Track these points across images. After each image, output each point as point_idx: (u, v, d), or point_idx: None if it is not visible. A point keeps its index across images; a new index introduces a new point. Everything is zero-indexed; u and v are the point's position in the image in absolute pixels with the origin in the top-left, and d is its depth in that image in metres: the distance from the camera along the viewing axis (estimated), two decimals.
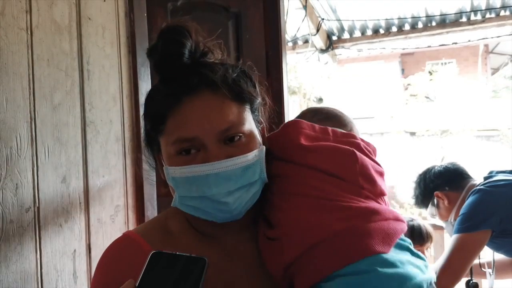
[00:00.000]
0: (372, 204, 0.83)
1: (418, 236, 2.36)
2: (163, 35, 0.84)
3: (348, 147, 0.89)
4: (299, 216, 0.81)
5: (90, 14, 1.45)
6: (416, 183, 2.32)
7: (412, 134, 12.12)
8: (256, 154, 0.83)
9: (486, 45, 14.18)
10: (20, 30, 1.19)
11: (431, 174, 2.25)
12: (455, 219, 2.15)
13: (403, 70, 15.43)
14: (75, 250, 1.33)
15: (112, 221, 1.51)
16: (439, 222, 2.34)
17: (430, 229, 2.42)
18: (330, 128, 0.94)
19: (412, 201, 2.42)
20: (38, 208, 1.20)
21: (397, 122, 11.93)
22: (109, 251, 0.93)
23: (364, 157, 0.89)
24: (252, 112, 0.87)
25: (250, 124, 0.85)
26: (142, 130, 0.93)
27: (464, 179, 2.20)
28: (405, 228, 0.82)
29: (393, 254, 0.76)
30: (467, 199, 2.05)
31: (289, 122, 0.94)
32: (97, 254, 1.42)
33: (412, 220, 2.43)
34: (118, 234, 1.52)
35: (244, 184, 0.81)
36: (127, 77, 1.64)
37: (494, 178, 2.07)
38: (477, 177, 2.21)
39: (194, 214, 0.86)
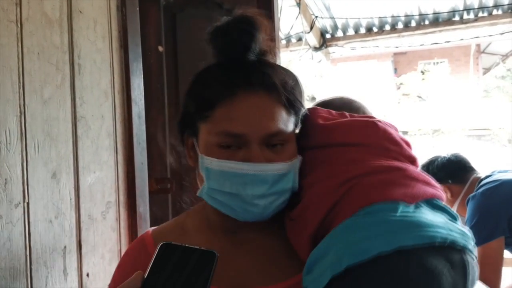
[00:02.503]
0: (399, 163, 0.78)
1: None
2: (236, 23, 0.83)
3: (368, 119, 0.86)
4: (317, 185, 0.79)
5: (81, 8, 1.43)
6: None
7: (404, 133, 12.18)
8: (293, 163, 0.82)
9: (478, 45, 14.28)
10: (9, 23, 1.16)
11: (434, 166, 2.19)
12: (458, 212, 2.13)
13: (395, 69, 15.50)
14: (65, 247, 1.31)
15: (103, 217, 1.50)
16: None
17: None
18: (346, 113, 0.91)
19: None
20: (28, 203, 1.18)
21: (390, 121, 11.96)
22: (125, 255, 0.98)
23: (387, 126, 0.85)
24: (295, 121, 0.86)
25: (293, 132, 0.84)
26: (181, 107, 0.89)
27: (468, 172, 2.16)
28: (439, 194, 0.75)
29: (417, 208, 0.69)
30: (467, 204, 2.02)
31: (305, 112, 0.90)
32: (87, 251, 1.41)
33: None
34: (109, 231, 1.52)
35: (278, 191, 0.80)
36: (119, 72, 1.62)
37: (493, 178, 2.04)
38: (481, 170, 2.17)
39: (218, 208, 0.84)
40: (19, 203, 1.15)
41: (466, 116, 11.57)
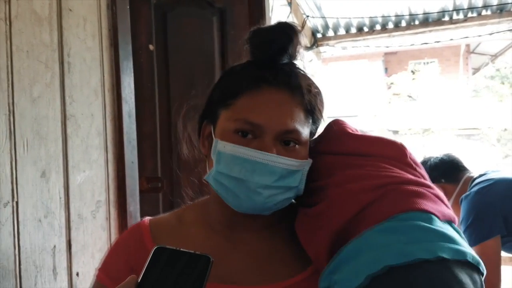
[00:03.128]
0: (428, 182, 0.80)
1: None
2: (278, 26, 0.88)
3: (395, 140, 0.89)
4: (350, 184, 0.79)
5: (71, 6, 1.42)
6: None
7: (395, 132, 12.25)
8: (303, 164, 0.85)
9: (467, 45, 14.39)
10: None
11: (427, 166, 2.19)
12: None
13: (386, 69, 15.58)
14: (55, 246, 1.30)
15: (93, 216, 1.49)
16: None
17: None
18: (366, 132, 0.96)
19: None
20: (17, 202, 1.17)
21: (380, 121, 12.05)
22: (119, 238, 0.99)
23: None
24: (312, 128, 0.90)
25: (307, 137, 0.87)
26: (208, 97, 0.92)
27: (461, 171, 2.18)
28: (453, 216, 0.77)
29: (444, 224, 0.71)
30: (461, 204, 2.03)
31: (330, 122, 0.94)
32: (77, 250, 1.40)
33: None
34: (99, 230, 1.51)
35: (283, 185, 0.82)
36: (109, 71, 1.61)
37: (487, 177, 2.04)
38: (473, 170, 2.19)
39: (222, 194, 0.86)
40: (8, 202, 1.15)
41: (456, 115, 11.66)
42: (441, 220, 0.71)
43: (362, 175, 0.80)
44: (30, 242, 1.21)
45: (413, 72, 13.93)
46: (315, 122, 0.90)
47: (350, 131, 0.90)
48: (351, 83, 14.31)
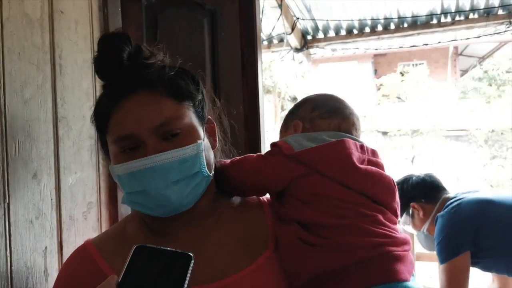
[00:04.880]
0: (402, 234, 0.90)
1: None
2: (101, 42, 0.89)
3: (389, 176, 0.95)
4: (345, 234, 0.85)
5: (62, 8, 1.43)
6: None
7: (384, 133, 12.33)
8: (194, 148, 0.85)
9: (455, 47, 14.54)
10: None
11: (408, 184, 2.29)
12: (428, 230, 2.23)
13: (375, 70, 15.68)
14: (46, 247, 1.31)
15: (85, 218, 1.50)
16: (409, 229, 2.38)
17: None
18: (364, 145, 0.98)
19: None
20: (8, 204, 1.17)
21: (370, 122, 12.10)
22: (67, 264, 0.98)
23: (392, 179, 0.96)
24: (194, 108, 0.90)
25: (189, 119, 0.87)
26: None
27: (440, 191, 2.26)
28: (413, 267, 0.89)
29: (412, 283, 0.83)
30: (436, 223, 2.11)
31: (334, 142, 0.95)
32: (69, 251, 1.40)
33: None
34: (91, 232, 1.52)
35: (182, 177, 0.83)
36: None
37: (457, 197, 2.14)
38: (451, 189, 2.28)
39: (141, 210, 0.88)
40: (0, 203, 1.15)
41: (444, 117, 11.77)
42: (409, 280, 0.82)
43: (363, 229, 0.85)
44: (21, 243, 1.21)
45: (402, 73, 14.03)
46: (193, 98, 0.89)
47: (357, 164, 0.92)
48: (340, 84, 14.38)
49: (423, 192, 2.26)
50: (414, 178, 2.31)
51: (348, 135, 0.99)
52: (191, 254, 0.64)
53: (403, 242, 0.87)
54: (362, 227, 0.85)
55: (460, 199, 2.11)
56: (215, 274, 0.85)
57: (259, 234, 0.93)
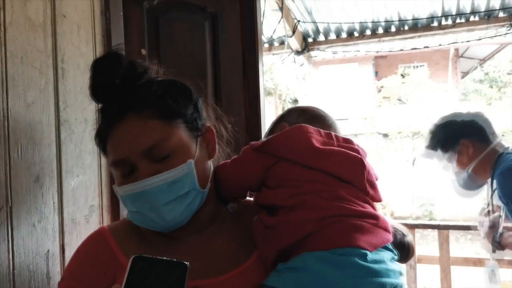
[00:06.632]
0: (374, 212, 0.90)
1: (406, 253, 2.34)
2: (93, 67, 0.91)
3: (356, 154, 0.94)
4: (296, 211, 0.86)
5: (65, 12, 1.43)
6: (440, 126, 2.22)
7: (385, 135, 12.33)
8: (184, 168, 0.86)
9: (456, 49, 14.54)
10: None
11: (462, 119, 2.18)
12: (473, 171, 2.08)
13: (376, 72, 15.67)
14: (48, 251, 1.31)
15: (87, 221, 1.50)
16: (449, 169, 2.21)
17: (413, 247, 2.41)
18: (333, 133, 0.99)
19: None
20: (11, 207, 1.17)
21: (370, 124, 12.12)
22: (82, 246, 1.01)
23: (368, 164, 0.95)
24: (186, 123, 0.91)
25: (179, 138, 0.88)
26: None
27: (493, 133, 2.14)
28: (391, 239, 0.89)
29: (375, 254, 0.82)
30: (498, 175, 1.96)
31: (294, 126, 0.98)
32: (71, 255, 1.39)
33: (404, 236, 2.40)
34: None
35: (173, 198, 0.86)
36: None
37: None
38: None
39: (144, 226, 0.92)
40: (2, 207, 1.15)
41: None
42: (373, 251, 0.82)
43: (313, 203, 0.87)
44: (24, 246, 1.21)
45: (402, 75, 14.04)
46: (183, 114, 0.90)
47: (316, 145, 0.93)
48: (341, 86, 14.39)
49: (477, 129, 2.14)
50: (466, 115, 2.21)
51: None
52: (186, 263, 0.67)
53: (368, 215, 0.87)
54: (313, 203, 0.86)
55: None
56: (215, 274, 0.90)
57: None
